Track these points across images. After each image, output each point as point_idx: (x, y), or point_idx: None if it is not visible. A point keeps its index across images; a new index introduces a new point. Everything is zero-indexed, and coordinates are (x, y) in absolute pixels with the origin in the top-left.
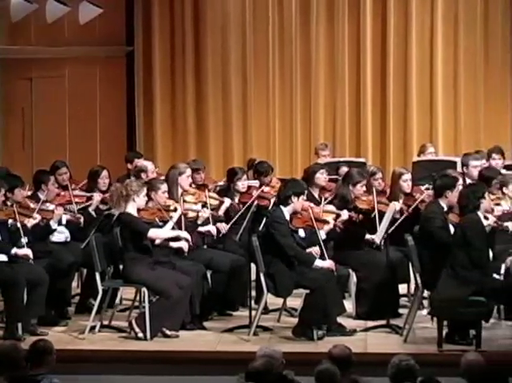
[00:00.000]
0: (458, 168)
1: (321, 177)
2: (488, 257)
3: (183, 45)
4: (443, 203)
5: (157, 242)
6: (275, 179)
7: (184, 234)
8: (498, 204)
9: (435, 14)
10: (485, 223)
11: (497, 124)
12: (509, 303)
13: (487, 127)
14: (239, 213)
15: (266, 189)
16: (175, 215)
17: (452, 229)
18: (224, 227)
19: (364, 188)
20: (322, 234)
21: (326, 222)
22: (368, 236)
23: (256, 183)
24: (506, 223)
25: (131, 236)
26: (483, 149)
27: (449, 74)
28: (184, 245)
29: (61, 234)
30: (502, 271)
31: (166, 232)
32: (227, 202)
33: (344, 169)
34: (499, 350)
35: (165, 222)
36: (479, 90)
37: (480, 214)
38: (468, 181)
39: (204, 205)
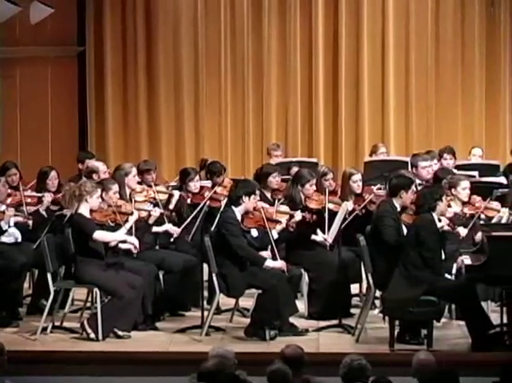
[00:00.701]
0: (409, 169)
1: (274, 180)
2: (440, 257)
3: (134, 45)
4: (397, 203)
5: (112, 244)
6: (227, 180)
7: (132, 239)
8: (448, 206)
9: (387, 15)
10: (438, 225)
11: (448, 125)
12: (460, 303)
13: (438, 127)
14: (191, 216)
15: (219, 190)
16: (132, 219)
17: (405, 229)
18: (176, 230)
19: (314, 187)
20: (274, 234)
21: (278, 222)
22: (319, 235)
23: (208, 183)
24: (458, 229)
25: (78, 237)
26: (434, 150)
27: (400, 75)
28: (132, 247)
29: (10, 236)
30: (454, 271)
31: (113, 235)
32: (176, 194)
33: (295, 169)
34: (450, 350)
35: (118, 224)
36: (431, 91)
37: (435, 215)
38: (418, 181)
39: (155, 204)
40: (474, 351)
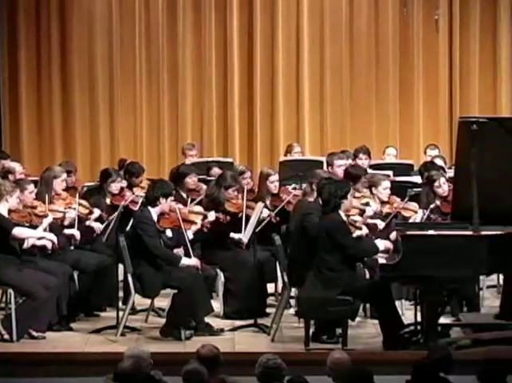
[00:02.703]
0: (325, 168)
1: (190, 181)
2: (364, 249)
3: (48, 46)
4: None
5: (25, 246)
6: (145, 180)
7: (51, 236)
8: (367, 204)
9: (301, 13)
10: (357, 232)
11: (363, 125)
12: (374, 302)
13: (353, 127)
14: (114, 216)
15: (138, 192)
16: (46, 222)
17: None
18: (99, 227)
19: (236, 193)
20: (189, 234)
21: (193, 222)
22: (234, 235)
23: (124, 183)
24: (376, 221)
25: None
26: (349, 149)
27: (315, 74)
28: (48, 243)
29: None
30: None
31: (32, 232)
32: (96, 213)
33: (216, 170)
34: (365, 348)
35: (33, 226)
36: (345, 90)
37: (341, 213)
38: None
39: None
40: (385, 349)
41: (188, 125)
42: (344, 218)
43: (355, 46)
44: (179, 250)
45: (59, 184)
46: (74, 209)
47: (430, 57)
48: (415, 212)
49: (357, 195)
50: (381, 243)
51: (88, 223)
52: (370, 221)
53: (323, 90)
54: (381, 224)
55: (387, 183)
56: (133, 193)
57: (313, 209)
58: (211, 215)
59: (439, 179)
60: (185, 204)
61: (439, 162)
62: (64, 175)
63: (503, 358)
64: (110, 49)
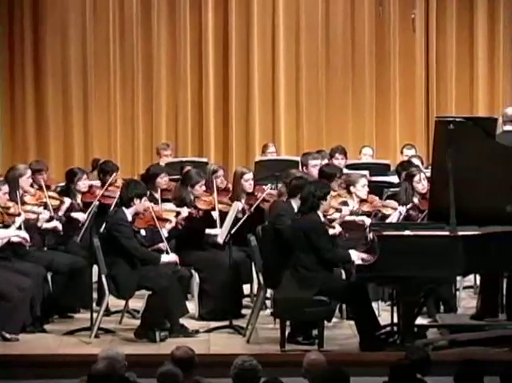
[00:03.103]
0: (300, 168)
1: (162, 181)
2: (339, 255)
3: (22, 46)
4: (295, 204)
5: (4, 241)
6: (120, 180)
7: (23, 233)
8: (345, 203)
9: (277, 12)
10: (330, 231)
11: (339, 125)
12: (351, 303)
13: (329, 127)
14: (88, 212)
15: (111, 188)
16: (18, 221)
17: None
18: (83, 217)
19: (204, 188)
20: (164, 233)
21: (168, 220)
22: (211, 231)
23: (98, 183)
24: (362, 217)
25: None
26: (325, 149)
27: (291, 74)
28: (22, 240)
29: None
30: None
31: (4, 231)
32: (67, 202)
33: (187, 169)
34: (341, 349)
35: (5, 225)
36: (321, 90)
37: (320, 213)
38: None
39: (45, 207)
40: (362, 351)
41: (163, 125)
42: (322, 219)
43: (331, 45)
44: (163, 245)
45: (25, 182)
46: (46, 205)
47: (406, 56)
48: (395, 209)
49: (333, 193)
50: (355, 254)
51: (73, 214)
52: (356, 219)
53: (299, 89)
54: (368, 220)
55: (364, 181)
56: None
57: (284, 210)
58: (184, 211)
59: (420, 175)
60: (158, 205)
61: (415, 162)
62: (29, 172)
63: (480, 359)
64: (84, 48)
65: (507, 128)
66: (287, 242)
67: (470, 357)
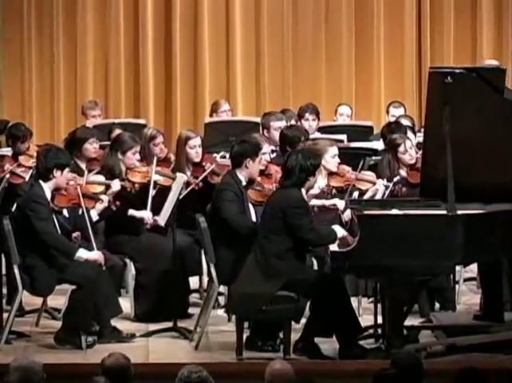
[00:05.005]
0: (260, 131)
1: (90, 148)
2: (322, 235)
3: None
4: (241, 175)
5: None
6: (33, 147)
7: None
8: None
9: None
10: None
11: (309, 80)
12: (324, 299)
13: (297, 83)
14: None
15: (23, 160)
16: None
17: (252, 209)
18: None
19: (138, 156)
20: (94, 215)
21: (98, 199)
22: (135, 213)
23: (8, 151)
24: (333, 200)
25: None
26: (291, 109)
27: (249, 17)
28: None
29: None
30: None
31: None
32: None
33: (117, 132)
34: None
35: None
36: (287, 40)
37: (303, 190)
38: (272, 147)
39: None
40: (339, 359)
41: (89, 79)
42: (305, 196)
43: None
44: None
45: None
46: None
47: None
48: (374, 183)
49: None
50: (339, 230)
51: None
52: (327, 203)
53: (259, 34)
54: (341, 203)
55: (334, 150)
56: (19, 163)
57: (229, 184)
58: (115, 185)
59: (405, 143)
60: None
61: (405, 123)
62: None
63: (483, 368)
64: None
65: None
66: (227, 221)
67: (471, 366)
